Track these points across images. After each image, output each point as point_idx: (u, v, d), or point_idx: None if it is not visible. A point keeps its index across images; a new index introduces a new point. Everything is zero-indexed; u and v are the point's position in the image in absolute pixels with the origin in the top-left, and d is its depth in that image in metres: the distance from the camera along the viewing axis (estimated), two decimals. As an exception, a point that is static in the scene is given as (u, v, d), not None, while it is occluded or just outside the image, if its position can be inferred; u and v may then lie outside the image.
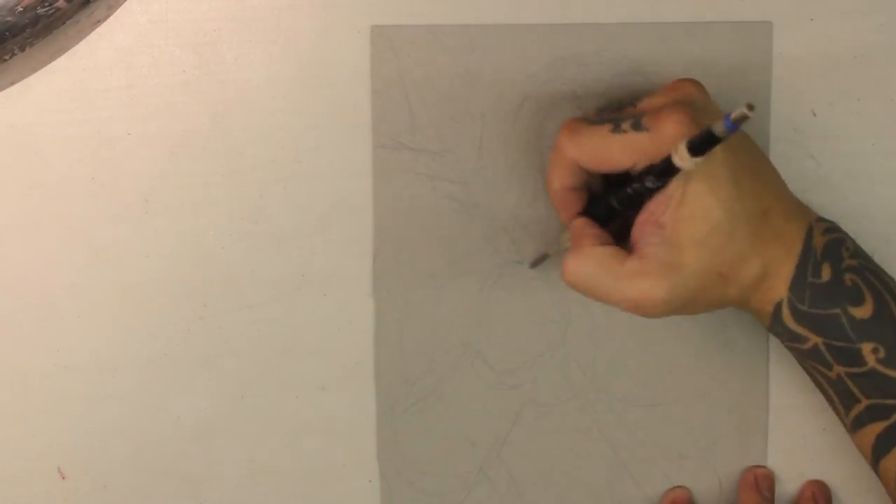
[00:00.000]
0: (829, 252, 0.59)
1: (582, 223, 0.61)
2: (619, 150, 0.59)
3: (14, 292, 0.62)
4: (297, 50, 0.63)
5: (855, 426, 0.61)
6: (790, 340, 0.60)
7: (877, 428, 0.60)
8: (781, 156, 0.67)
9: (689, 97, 0.60)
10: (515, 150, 0.66)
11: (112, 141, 0.62)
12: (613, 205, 0.60)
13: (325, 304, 0.65)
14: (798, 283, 0.59)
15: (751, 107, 0.50)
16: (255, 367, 0.65)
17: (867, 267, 0.60)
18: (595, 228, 0.61)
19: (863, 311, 0.59)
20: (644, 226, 0.59)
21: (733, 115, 0.51)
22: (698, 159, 0.54)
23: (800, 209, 0.61)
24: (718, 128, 0.52)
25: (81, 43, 0.61)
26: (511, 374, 0.67)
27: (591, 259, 0.59)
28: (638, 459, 0.69)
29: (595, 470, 0.69)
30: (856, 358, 0.59)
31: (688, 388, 0.69)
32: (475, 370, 0.67)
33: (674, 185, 0.57)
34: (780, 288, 0.59)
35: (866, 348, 0.59)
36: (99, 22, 0.61)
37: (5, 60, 0.59)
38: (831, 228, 0.61)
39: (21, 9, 0.58)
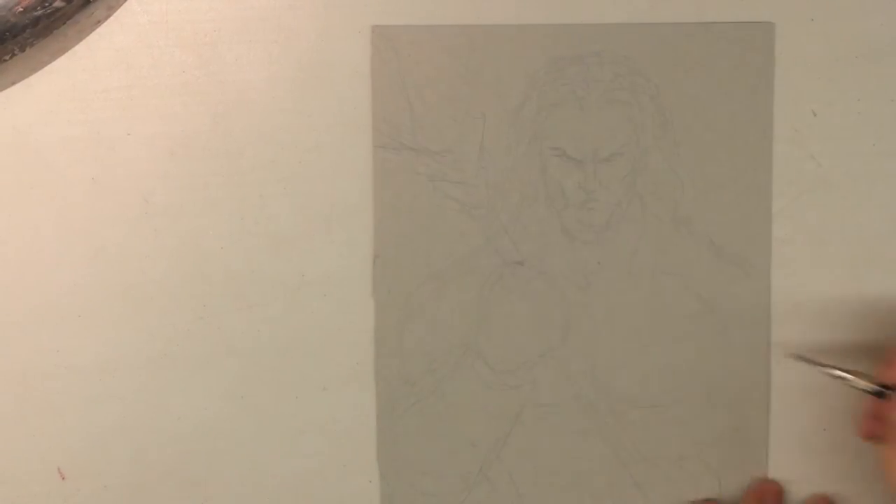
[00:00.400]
0: None
1: None
2: None
3: (14, 292, 0.62)
4: (297, 50, 0.63)
5: None
6: None
7: None
8: (781, 156, 0.67)
9: None
10: (515, 150, 0.66)
11: (112, 141, 0.62)
12: None
13: (325, 304, 0.65)
14: None
15: None
16: (255, 367, 0.65)
17: None
18: None
19: None
20: None
21: None
22: None
23: None
24: None
25: (81, 43, 0.61)
26: (511, 375, 0.67)
27: None
28: (638, 460, 0.69)
29: (595, 470, 0.69)
30: None
31: (688, 389, 0.69)
32: (475, 370, 0.67)
33: None
34: None
35: None
36: (99, 22, 0.61)
37: (5, 61, 0.59)
38: None
39: (21, 9, 0.58)
